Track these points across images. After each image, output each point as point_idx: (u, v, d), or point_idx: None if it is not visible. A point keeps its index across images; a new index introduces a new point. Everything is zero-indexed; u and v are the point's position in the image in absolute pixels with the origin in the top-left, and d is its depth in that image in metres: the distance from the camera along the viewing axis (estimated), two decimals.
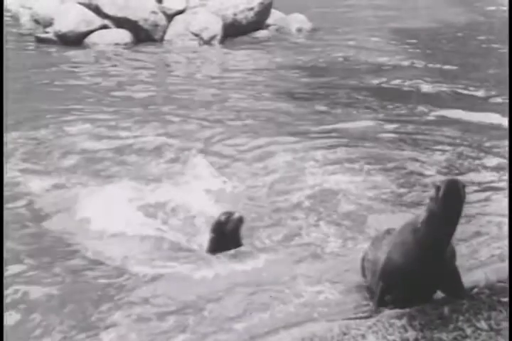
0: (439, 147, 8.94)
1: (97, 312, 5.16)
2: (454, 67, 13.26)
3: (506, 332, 4.21)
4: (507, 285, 4.75)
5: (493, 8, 20.02)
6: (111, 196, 7.00)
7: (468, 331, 4.23)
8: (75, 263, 5.99)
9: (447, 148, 8.91)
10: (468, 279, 5.11)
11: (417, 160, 8.47)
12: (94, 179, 7.79)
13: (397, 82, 12.26)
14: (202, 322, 5.04)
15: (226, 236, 6.06)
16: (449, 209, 4.46)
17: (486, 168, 8.22)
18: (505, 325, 4.27)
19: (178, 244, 6.32)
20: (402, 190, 7.57)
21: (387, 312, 4.60)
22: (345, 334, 4.32)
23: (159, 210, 6.85)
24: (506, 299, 4.56)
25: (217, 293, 5.43)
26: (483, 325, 4.29)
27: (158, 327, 4.98)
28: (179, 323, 5.01)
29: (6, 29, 15.06)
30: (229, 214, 6.09)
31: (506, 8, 17.91)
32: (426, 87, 11.86)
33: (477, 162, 8.41)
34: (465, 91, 11.64)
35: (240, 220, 6.06)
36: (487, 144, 9.00)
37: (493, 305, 4.51)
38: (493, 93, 11.47)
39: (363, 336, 4.28)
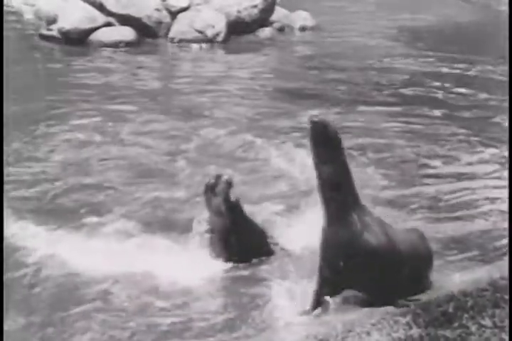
0: (443, 140, 9.03)
1: None
2: (460, 64, 13.30)
3: (508, 329, 4.22)
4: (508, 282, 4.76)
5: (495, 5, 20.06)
6: None
7: (473, 328, 4.24)
8: None
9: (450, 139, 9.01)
10: (471, 276, 5.13)
11: (418, 152, 8.56)
12: None
13: (401, 77, 12.32)
14: None
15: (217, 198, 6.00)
16: (318, 146, 4.67)
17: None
18: (508, 322, 4.27)
19: None
20: (385, 183, 7.63)
21: (391, 309, 4.60)
22: (349, 331, 4.33)
23: None
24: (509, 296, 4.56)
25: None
26: (487, 322, 4.29)
27: None
28: None
29: (9, 26, 15.06)
30: (218, 177, 6.05)
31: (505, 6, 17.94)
32: (432, 83, 11.93)
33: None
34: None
35: (229, 182, 6.00)
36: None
37: (497, 302, 4.51)
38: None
39: (368, 333, 4.28)
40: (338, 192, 4.73)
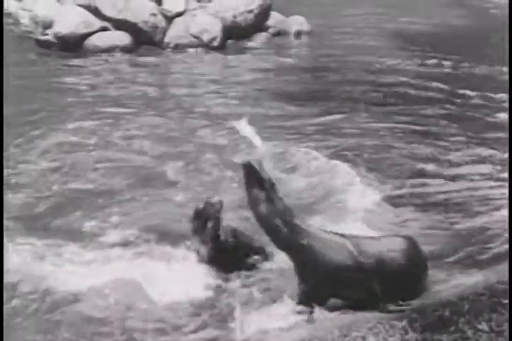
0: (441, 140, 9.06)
1: None
2: (455, 69, 13.32)
3: (507, 334, 4.20)
4: (507, 286, 4.73)
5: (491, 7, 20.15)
6: None
7: (469, 333, 4.22)
8: None
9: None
10: (467, 280, 5.11)
11: (415, 153, 8.59)
12: None
13: (398, 79, 12.34)
14: None
15: (206, 222, 5.80)
16: (251, 187, 4.83)
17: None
18: (507, 326, 4.25)
19: None
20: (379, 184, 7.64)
21: (387, 314, 4.59)
22: (345, 336, 4.30)
23: None
24: (507, 301, 4.54)
25: None
26: (484, 326, 4.27)
27: None
28: None
29: (5, 31, 15.04)
30: (207, 199, 5.87)
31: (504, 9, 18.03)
32: (430, 84, 11.94)
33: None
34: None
35: (220, 204, 5.83)
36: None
37: (494, 306, 4.49)
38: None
39: (364, 338, 4.26)
40: (277, 230, 4.87)
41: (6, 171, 7.81)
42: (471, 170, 8.07)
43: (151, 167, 8.27)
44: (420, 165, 8.23)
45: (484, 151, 8.59)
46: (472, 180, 7.79)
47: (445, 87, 11.61)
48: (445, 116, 10.13)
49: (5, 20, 15.73)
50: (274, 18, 16.37)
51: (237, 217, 6.44)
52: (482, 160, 8.33)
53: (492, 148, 8.66)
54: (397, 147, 8.81)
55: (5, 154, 8.15)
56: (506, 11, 16.94)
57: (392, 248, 5.11)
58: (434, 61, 13.56)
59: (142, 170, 8.17)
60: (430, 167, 8.19)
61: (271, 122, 9.85)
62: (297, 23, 16.59)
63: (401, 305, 4.80)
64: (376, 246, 5.09)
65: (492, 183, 7.65)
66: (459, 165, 8.27)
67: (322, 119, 10.01)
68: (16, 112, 9.71)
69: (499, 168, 7.98)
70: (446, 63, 13.37)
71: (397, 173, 8.01)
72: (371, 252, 4.97)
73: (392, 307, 4.77)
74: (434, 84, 11.78)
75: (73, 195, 7.49)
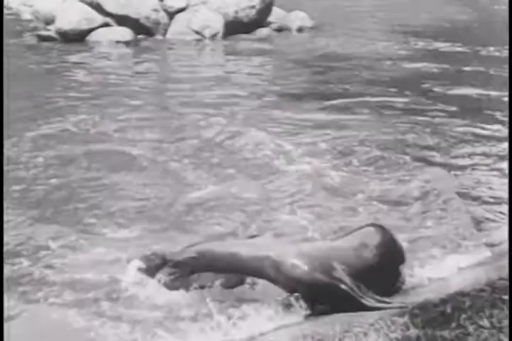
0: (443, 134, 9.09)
1: None
2: (457, 64, 13.36)
3: (508, 330, 4.20)
4: (508, 282, 4.74)
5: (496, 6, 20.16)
6: None
7: (471, 329, 4.21)
8: None
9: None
10: (468, 277, 5.12)
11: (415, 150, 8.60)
12: None
13: (401, 74, 12.36)
14: None
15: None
16: None
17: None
18: (508, 322, 4.25)
19: None
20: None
21: (389, 310, 4.59)
22: (347, 331, 4.31)
23: None
24: (508, 297, 4.55)
25: None
26: (485, 322, 4.27)
27: None
28: None
29: (6, 27, 15.06)
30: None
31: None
32: (434, 80, 11.97)
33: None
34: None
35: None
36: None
37: (495, 303, 4.50)
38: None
39: (365, 334, 4.26)
40: None
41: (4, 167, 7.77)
42: (475, 166, 8.05)
43: (152, 162, 8.23)
44: (424, 159, 8.23)
45: (488, 148, 8.61)
46: (475, 180, 7.75)
47: (450, 81, 11.67)
48: (449, 111, 10.13)
49: (5, 15, 15.74)
50: (276, 14, 16.38)
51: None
52: (486, 156, 8.32)
53: (497, 143, 8.69)
54: (402, 141, 8.82)
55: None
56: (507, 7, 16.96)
57: (362, 248, 5.00)
58: (438, 57, 13.61)
59: (143, 165, 8.15)
60: (435, 160, 8.19)
61: (271, 120, 9.83)
62: (298, 18, 16.60)
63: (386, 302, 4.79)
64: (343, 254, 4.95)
65: (495, 181, 7.62)
66: (463, 159, 8.26)
67: (325, 113, 10.02)
68: (14, 105, 9.69)
69: (502, 164, 7.96)
70: (451, 58, 13.42)
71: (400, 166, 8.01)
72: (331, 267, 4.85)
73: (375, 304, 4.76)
74: (438, 79, 11.84)
75: (70, 189, 7.41)
